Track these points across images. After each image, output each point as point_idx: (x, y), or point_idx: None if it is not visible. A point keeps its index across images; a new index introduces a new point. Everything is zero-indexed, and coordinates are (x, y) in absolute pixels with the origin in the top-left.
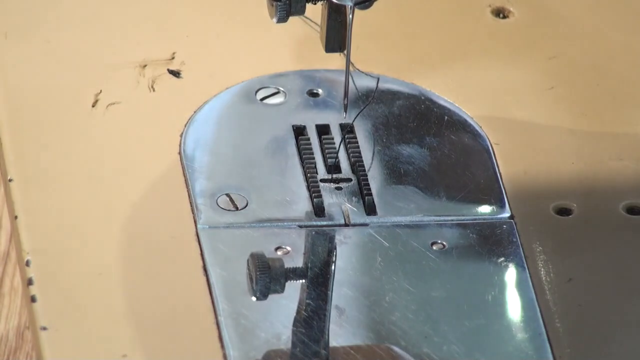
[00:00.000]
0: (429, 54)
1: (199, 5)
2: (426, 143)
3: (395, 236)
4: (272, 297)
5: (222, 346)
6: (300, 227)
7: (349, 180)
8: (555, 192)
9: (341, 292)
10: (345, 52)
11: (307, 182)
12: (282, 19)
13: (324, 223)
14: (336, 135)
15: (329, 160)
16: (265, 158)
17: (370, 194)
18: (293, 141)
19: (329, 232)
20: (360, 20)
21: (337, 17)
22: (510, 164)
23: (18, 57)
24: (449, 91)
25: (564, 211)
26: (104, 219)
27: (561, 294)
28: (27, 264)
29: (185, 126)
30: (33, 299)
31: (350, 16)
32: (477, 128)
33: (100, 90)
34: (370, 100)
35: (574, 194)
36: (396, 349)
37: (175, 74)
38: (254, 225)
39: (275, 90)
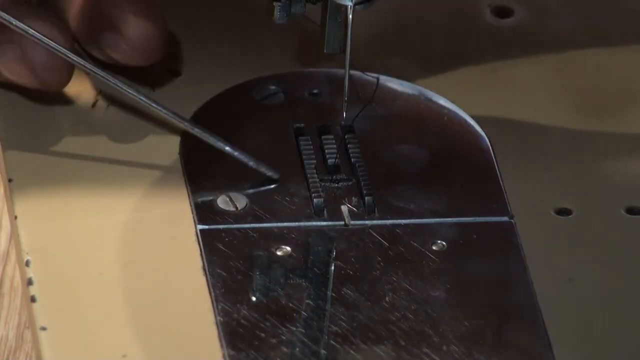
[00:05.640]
0: (429, 54)
1: (199, 5)
2: (426, 143)
3: (395, 236)
4: (272, 297)
5: (222, 346)
6: (300, 227)
7: (349, 180)
8: (555, 192)
9: (341, 292)
10: (345, 52)
11: (307, 182)
12: (282, 19)
13: (324, 223)
14: (336, 135)
15: (329, 160)
16: (265, 158)
17: (370, 194)
18: (293, 141)
19: (328, 232)
20: (360, 20)
21: (337, 17)
22: (510, 164)
23: None
24: (449, 91)
25: (564, 211)
26: (104, 219)
27: (561, 294)
28: (27, 264)
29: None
30: (33, 299)
31: (350, 16)
32: (477, 128)
33: (100, 90)
34: (370, 100)
35: (574, 194)
36: (396, 349)
37: (175, 74)
38: (253, 225)
39: (275, 90)
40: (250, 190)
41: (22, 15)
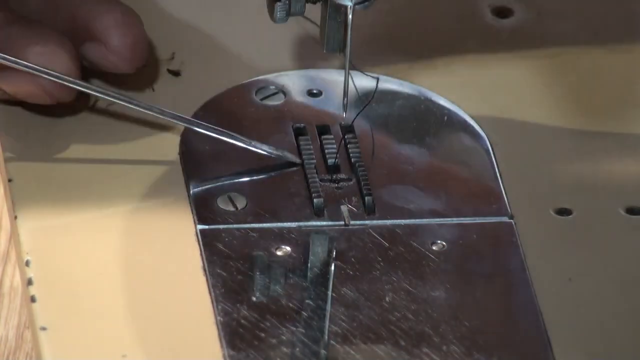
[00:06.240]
0: (429, 54)
1: (199, 5)
2: (426, 143)
3: (395, 236)
4: (271, 297)
5: (222, 346)
6: (300, 227)
7: (349, 180)
8: (555, 192)
9: (341, 292)
10: (345, 52)
11: (307, 182)
12: (282, 19)
13: (324, 223)
14: (336, 135)
15: (329, 160)
16: (265, 158)
17: (370, 194)
18: (293, 141)
19: (328, 232)
20: (360, 20)
21: (337, 17)
22: (510, 164)
23: None
24: (449, 91)
25: (564, 211)
26: (104, 219)
27: (561, 294)
28: (27, 264)
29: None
30: (33, 299)
31: (350, 16)
32: (477, 128)
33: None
34: (370, 100)
35: (574, 194)
36: (396, 349)
37: (175, 74)
38: (253, 225)
39: (275, 90)
40: (250, 191)
41: (24, 38)
